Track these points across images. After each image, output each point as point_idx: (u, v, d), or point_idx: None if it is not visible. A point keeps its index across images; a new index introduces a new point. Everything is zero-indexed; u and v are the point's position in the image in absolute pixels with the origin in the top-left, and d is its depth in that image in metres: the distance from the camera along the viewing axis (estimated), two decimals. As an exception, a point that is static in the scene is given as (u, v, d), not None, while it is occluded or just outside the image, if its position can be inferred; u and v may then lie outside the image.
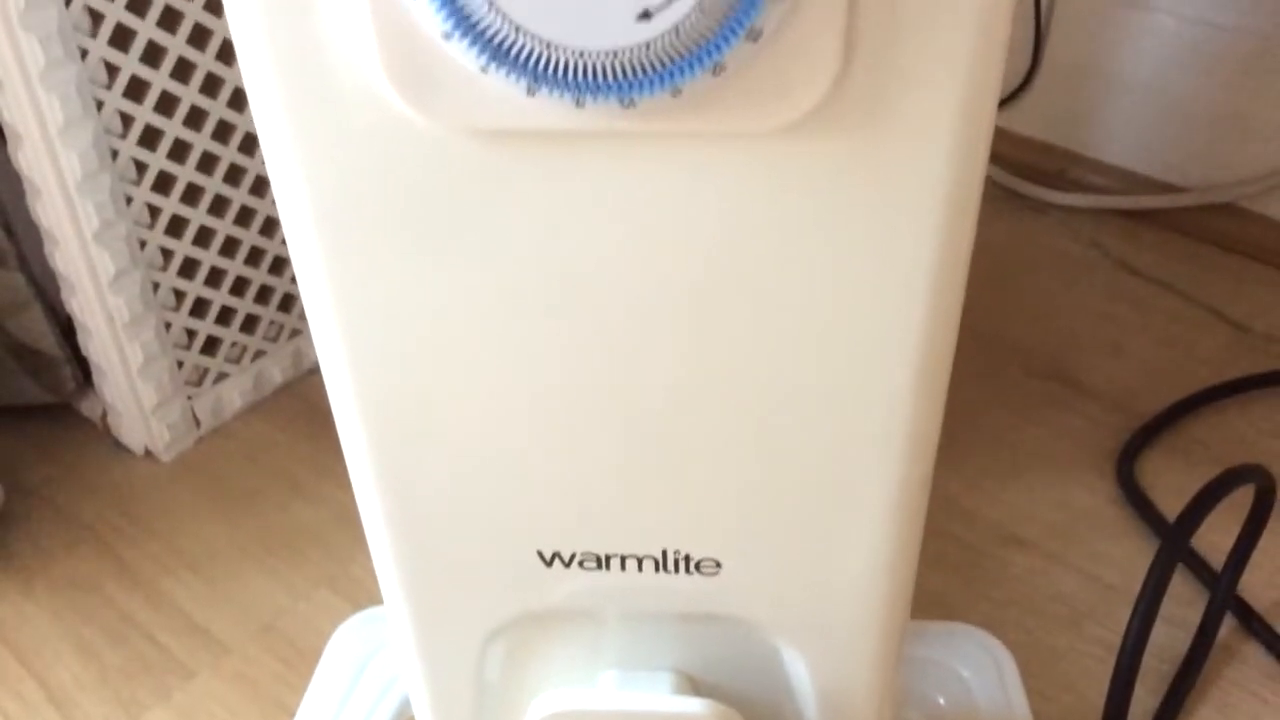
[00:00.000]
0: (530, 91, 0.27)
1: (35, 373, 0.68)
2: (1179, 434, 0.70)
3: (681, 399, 0.35)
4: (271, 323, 0.72)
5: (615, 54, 0.27)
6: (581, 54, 0.27)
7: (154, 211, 0.64)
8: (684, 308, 0.32)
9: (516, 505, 0.38)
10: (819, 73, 0.28)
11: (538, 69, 0.27)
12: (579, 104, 0.28)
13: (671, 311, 0.32)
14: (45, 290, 0.66)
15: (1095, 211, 0.84)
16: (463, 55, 0.27)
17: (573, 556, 0.40)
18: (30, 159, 0.60)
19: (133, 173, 0.62)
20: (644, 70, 0.27)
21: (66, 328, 0.67)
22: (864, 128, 0.29)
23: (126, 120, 0.61)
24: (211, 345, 0.70)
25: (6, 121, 0.59)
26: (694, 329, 0.33)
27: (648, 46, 0.26)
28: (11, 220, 0.64)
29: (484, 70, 0.27)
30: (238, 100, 0.65)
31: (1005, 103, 0.85)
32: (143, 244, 0.64)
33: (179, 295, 0.67)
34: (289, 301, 0.72)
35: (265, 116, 0.31)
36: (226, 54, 0.63)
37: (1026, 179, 0.85)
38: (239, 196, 0.67)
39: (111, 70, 0.60)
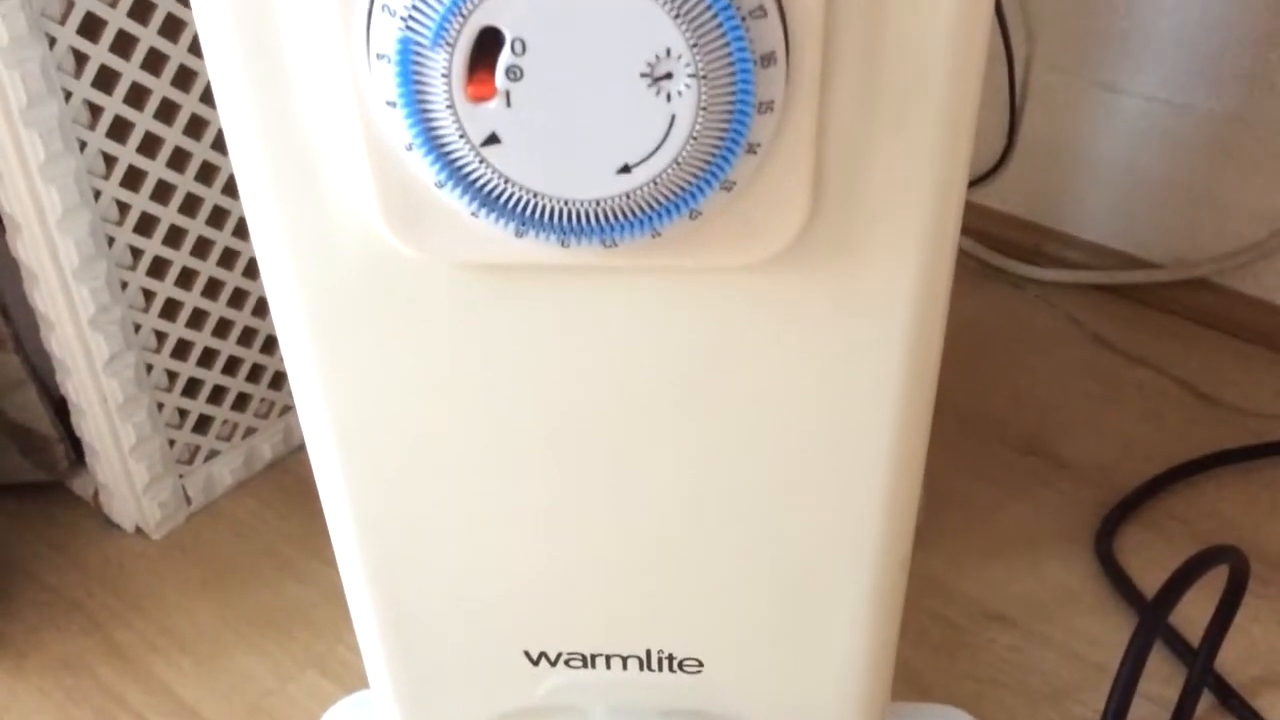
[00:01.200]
0: (518, 233, 0.29)
1: (29, 451, 0.70)
2: (1156, 509, 0.72)
3: (663, 509, 0.36)
4: (262, 400, 0.74)
5: (598, 202, 0.28)
6: (566, 202, 0.28)
7: (148, 295, 0.66)
8: (665, 425, 0.34)
9: (504, 608, 0.39)
10: (788, 217, 0.30)
11: (525, 215, 0.29)
12: (564, 244, 0.29)
13: (653, 429, 0.34)
14: (40, 371, 0.68)
15: (1071, 286, 0.86)
16: (455, 201, 0.29)
17: (559, 656, 0.41)
18: (29, 247, 0.61)
19: (128, 258, 0.64)
20: (625, 216, 0.29)
21: (60, 407, 0.69)
22: (831, 262, 0.31)
23: (123, 208, 0.63)
24: (203, 424, 0.71)
25: (6, 212, 0.61)
26: (674, 445, 0.34)
27: (628, 196, 0.28)
28: (8, 303, 0.66)
29: (474, 214, 0.29)
30: (232, 187, 0.67)
31: (982, 180, 0.87)
32: (137, 327, 0.66)
33: (172, 376, 0.68)
34: (279, 379, 0.73)
35: (264, 243, 0.32)
36: (221, 143, 0.65)
37: (1004, 254, 0.88)
38: (232, 279, 0.69)
39: (109, 160, 0.62)
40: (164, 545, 0.71)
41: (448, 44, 0.26)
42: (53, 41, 0.58)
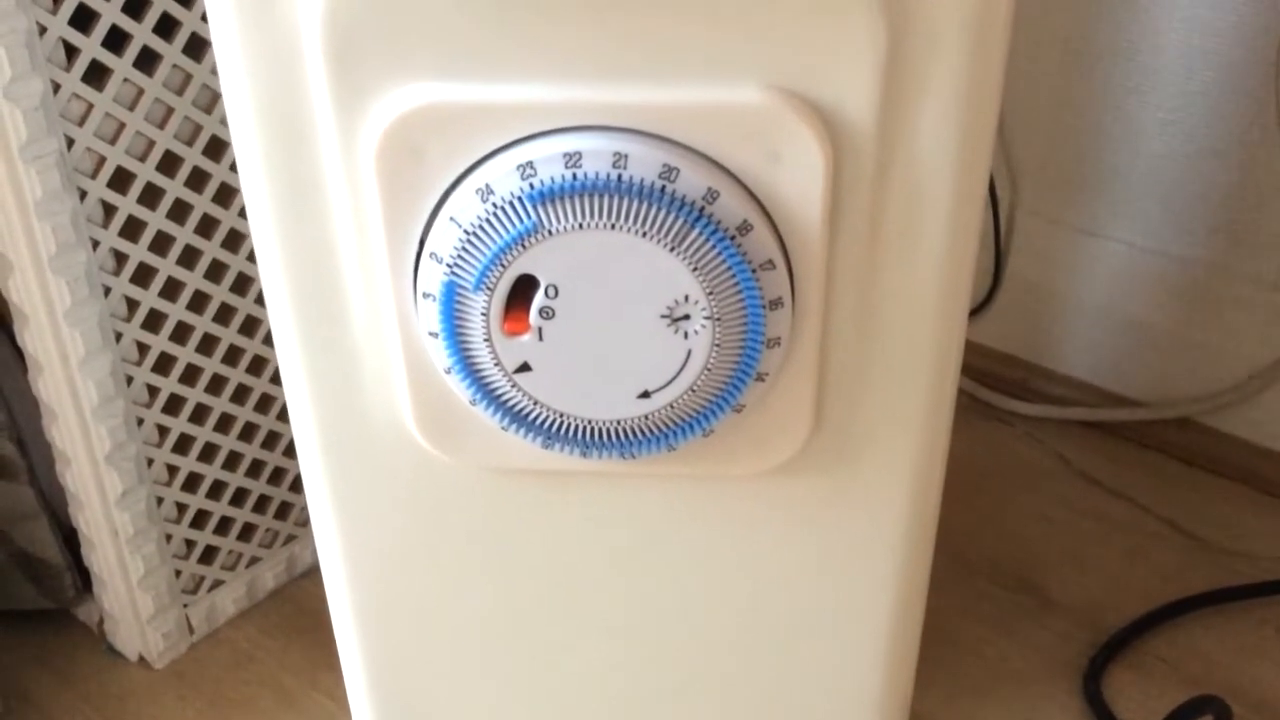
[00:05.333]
0: (545, 446, 0.32)
1: (37, 579, 0.72)
2: (1142, 650, 0.74)
3: (671, 677, 0.38)
4: (267, 530, 0.76)
5: (619, 422, 0.31)
6: (590, 422, 0.32)
7: (163, 431, 0.68)
8: (676, 607, 0.36)
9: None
10: (792, 434, 0.33)
11: (552, 431, 0.32)
12: (586, 455, 0.33)
13: (664, 610, 0.36)
14: (52, 502, 0.70)
15: (1058, 422, 0.90)
16: (487, 417, 0.32)
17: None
18: (50, 388, 0.64)
19: (145, 396, 0.67)
20: (643, 434, 0.32)
21: (69, 536, 0.71)
22: (831, 470, 0.34)
23: (142, 349, 0.66)
24: (209, 554, 0.73)
25: (30, 353, 0.64)
26: (685, 623, 0.37)
27: (647, 417, 0.31)
28: (24, 437, 0.68)
29: (504, 429, 0.32)
30: (248, 327, 0.70)
31: (969, 316, 0.91)
32: (150, 461, 0.68)
33: (181, 508, 0.71)
34: (285, 509, 0.76)
35: (303, 433, 0.35)
36: (241, 286, 0.68)
37: (990, 388, 0.91)
38: (244, 414, 0.72)
39: (131, 305, 0.65)
40: (166, 675, 0.72)
41: (488, 288, 0.30)
42: (83, 194, 0.61)
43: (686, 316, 0.30)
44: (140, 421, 0.67)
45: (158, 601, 0.70)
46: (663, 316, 0.30)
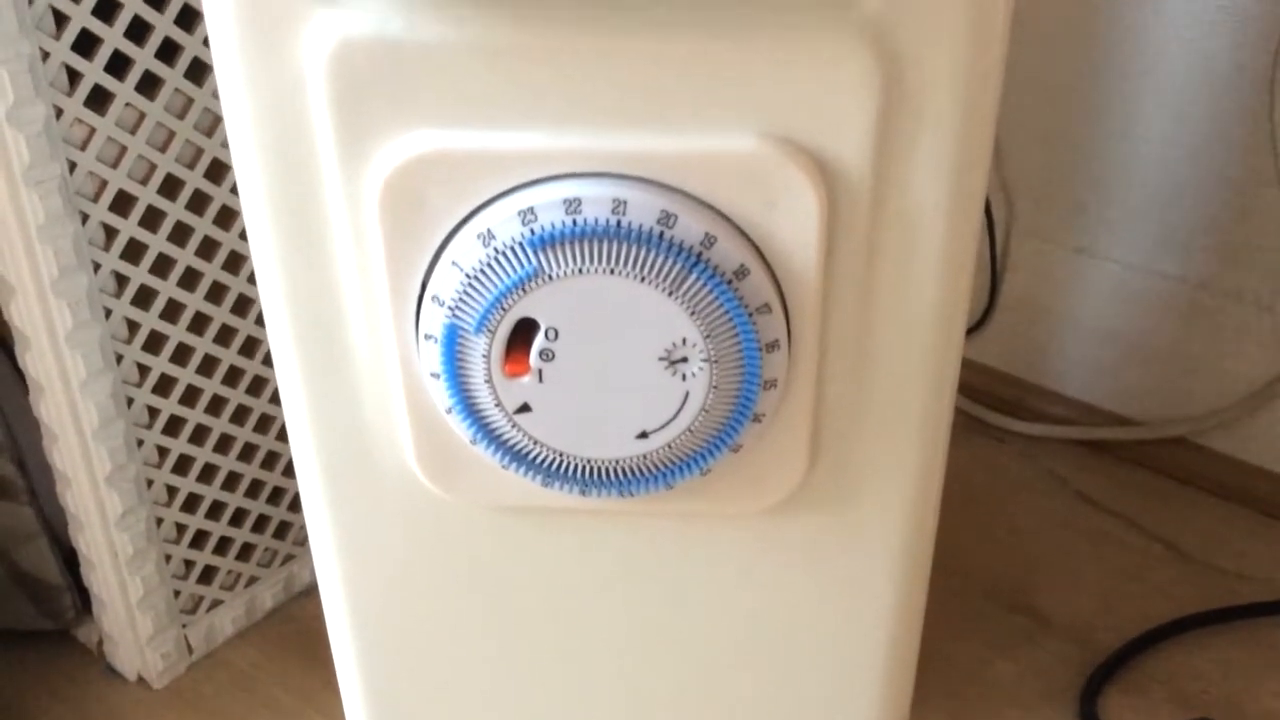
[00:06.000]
0: (544, 484, 0.33)
1: (36, 600, 0.72)
2: (1139, 670, 0.75)
3: (667, 717, 0.39)
4: (266, 550, 0.76)
5: (617, 461, 0.32)
6: (589, 461, 0.32)
7: (162, 452, 0.69)
8: (674, 640, 0.37)
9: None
10: (788, 473, 0.33)
11: (551, 470, 0.32)
12: (584, 493, 0.33)
13: (663, 643, 0.37)
14: (52, 522, 0.70)
15: (1053, 441, 0.90)
16: (487, 456, 0.32)
17: None
18: (51, 410, 0.65)
19: (145, 417, 0.67)
20: (641, 473, 0.32)
21: (69, 557, 0.71)
22: (827, 507, 0.35)
23: (143, 370, 0.67)
24: (208, 574, 0.74)
25: (31, 376, 0.64)
26: (683, 654, 0.37)
27: (645, 457, 0.32)
28: (25, 458, 0.69)
29: (504, 467, 0.32)
30: (248, 348, 0.71)
31: (965, 335, 0.92)
32: (150, 482, 0.69)
33: (180, 529, 0.71)
34: (283, 529, 0.76)
35: (305, 471, 0.36)
36: (241, 307, 0.68)
37: (986, 406, 0.92)
38: (243, 434, 0.72)
39: (132, 327, 0.65)
40: (164, 695, 0.73)
41: (489, 331, 0.30)
42: (85, 218, 0.62)
43: (684, 359, 0.31)
44: (140, 442, 0.68)
45: (157, 622, 0.71)
46: (661, 359, 0.31)
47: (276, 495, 0.75)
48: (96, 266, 0.63)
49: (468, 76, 0.29)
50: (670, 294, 0.29)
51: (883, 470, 0.34)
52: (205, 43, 0.63)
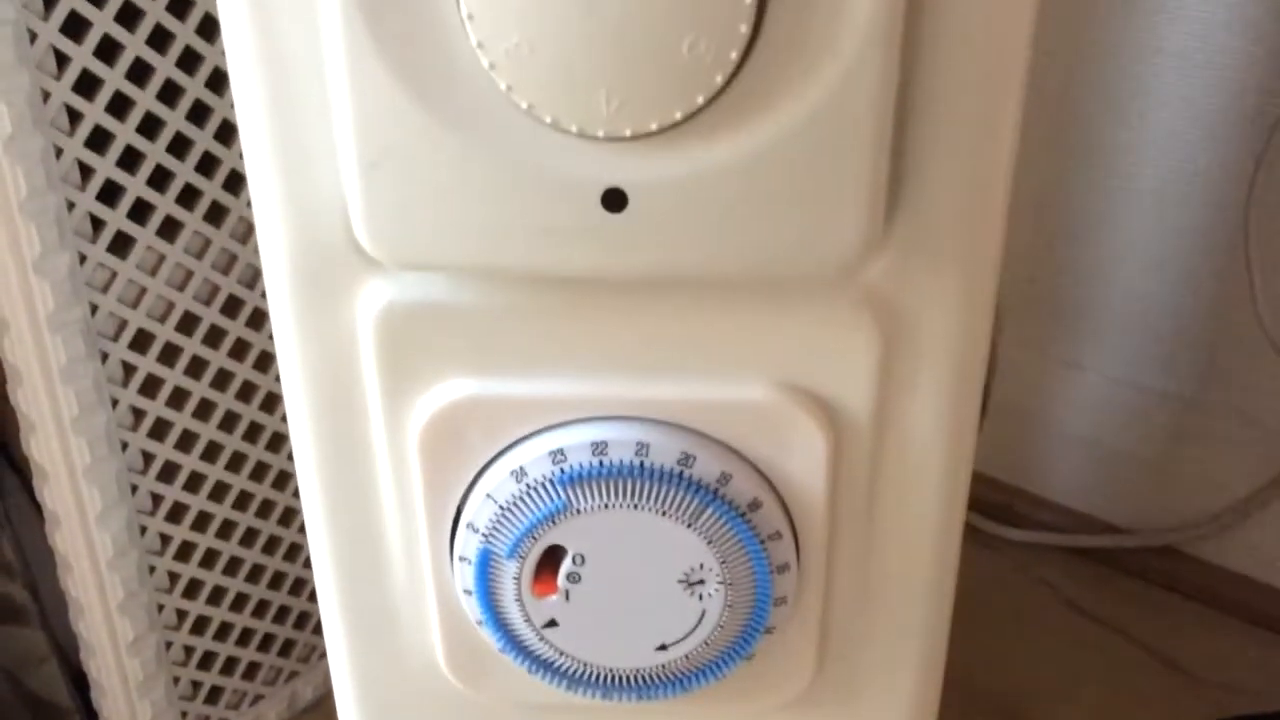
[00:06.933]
0: (568, 689, 0.35)
1: (43, 722, 0.74)
2: (1128, 785, 0.77)
3: None
4: (271, 667, 0.78)
5: (637, 670, 0.35)
6: (610, 670, 0.35)
7: (173, 578, 0.71)
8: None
9: None
10: (798, 676, 0.36)
11: (574, 677, 0.35)
12: (606, 697, 0.36)
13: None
14: (63, 646, 0.72)
15: (1043, 548, 0.93)
16: (514, 663, 0.35)
17: None
18: (67, 541, 0.67)
19: (158, 544, 0.70)
20: (660, 680, 0.35)
21: (79, 680, 0.73)
22: (836, 703, 0.37)
23: (156, 500, 0.69)
24: (214, 694, 0.76)
25: (49, 508, 0.66)
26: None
27: (664, 667, 0.34)
28: (38, 583, 0.71)
29: (530, 673, 0.35)
30: (258, 473, 0.73)
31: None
32: (160, 608, 0.71)
33: (189, 651, 0.73)
34: (288, 647, 0.78)
35: (337, 664, 0.38)
36: (252, 434, 0.71)
37: (976, 510, 0.95)
38: (252, 556, 0.74)
39: (147, 458, 0.68)
40: (170, 815, 0.74)
41: (520, 557, 0.33)
42: (105, 357, 0.65)
43: (701, 581, 0.33)
44: (152, 569, 0.70)
45: (165, 743, 0.73)
46: (679, 581, 0.33)
47: (282, 614, 0.77)
48: (115, 402, 0.66)
49: (503, 333, 0.31)
50: (689, 525, 0.32)
51: (886, 668, 0.37)
52: (223, 187, 0.66)
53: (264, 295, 0.69)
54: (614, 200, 0.28)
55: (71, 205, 0.61)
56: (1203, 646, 0.86)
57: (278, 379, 0.73)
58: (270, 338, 0.70)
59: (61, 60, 0.58)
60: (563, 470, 0.32)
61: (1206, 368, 0.86)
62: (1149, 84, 0.79)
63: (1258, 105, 0.76)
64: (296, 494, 0.76)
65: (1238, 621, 0.88)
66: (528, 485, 0.32)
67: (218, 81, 0.63)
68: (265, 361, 0.71)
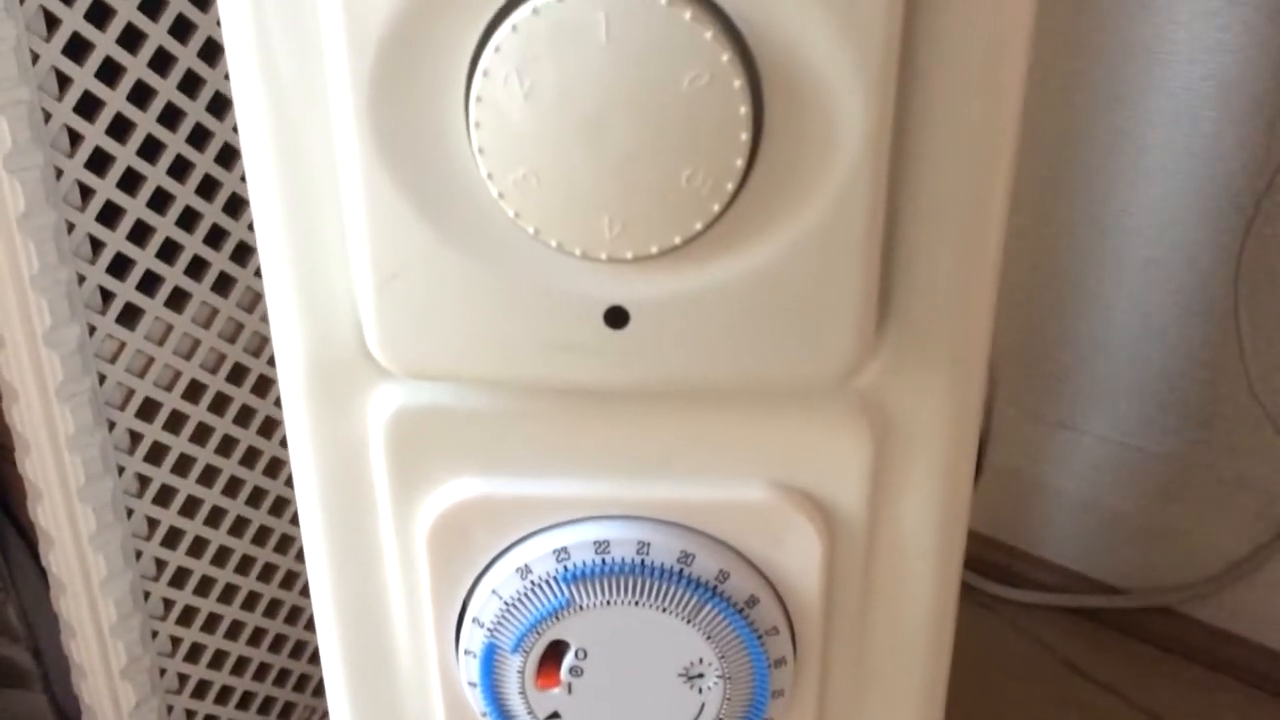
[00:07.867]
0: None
1: (44, 785, 0.74)
2: None
3: None
4: (272, 732, 0.79)
5: (639, 759, 0.36)
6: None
7: (176, 641, 0.72)
8: None
9: None
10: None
11: (576, 765, 0.36)
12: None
13: None
14: (65, 709, 0.73)
15: (1040, 608, 0.94)
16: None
17: None
18: (71, 606, 0.68)
19: (160, 609, 0.71)
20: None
21: (79, 743, 0.74)
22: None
23: (160, 565, 0.70)
24: (215, 757, 0.76)
25: (54, 575, 0.68)
26: None
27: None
28: (41, 647, 0.72)
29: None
30: (260, 537, 0.74)
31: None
32: (163, 672, 0.72)
33: (190, 715, 0.74)
34: (289, 710, 0.79)
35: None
36: (255, 499, 0.72)
37: (973, 570, 0.96)
38: (253, 619, 0.75)
39: (152, 524, 0.69)
40: None
41: (524, 651, 0.34)
42: (112, 425, 0.66)
43: (701, 675, 0.34)
44: (155, 634, 0.71)
45: (164, 807, 0.73)
46: (680, 674, 0.35)
47: (282, 677, 0.78)
48: (121, 470, 0.67)
49: (509, 436, 0.33)
50: (689, 621, 0.33)
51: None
52: (231, 258, 0.68)
53: (270, 362, 0.71)
54: (616, 318, 0.30)
55: (82, 279, 0.62)
56: (1199, 707, 0.87)
57: (282, 443, 0.74)
58: (276, 404, 0.72)
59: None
60: (566, 568, 0.33)
61: (1200, 430, 0.87)
62: (1135, 163, 0.81)
63: (1243, 183, 0.78)
64: (299, 558, 0.77)
65: (1234, 682, 0.89)
66: (532, 582, 0.34)
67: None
68: (270, 428, 0.72)
